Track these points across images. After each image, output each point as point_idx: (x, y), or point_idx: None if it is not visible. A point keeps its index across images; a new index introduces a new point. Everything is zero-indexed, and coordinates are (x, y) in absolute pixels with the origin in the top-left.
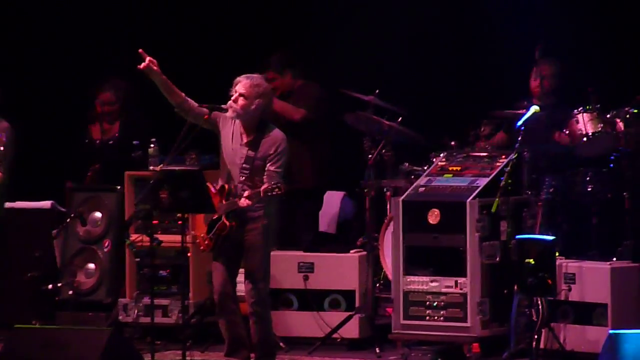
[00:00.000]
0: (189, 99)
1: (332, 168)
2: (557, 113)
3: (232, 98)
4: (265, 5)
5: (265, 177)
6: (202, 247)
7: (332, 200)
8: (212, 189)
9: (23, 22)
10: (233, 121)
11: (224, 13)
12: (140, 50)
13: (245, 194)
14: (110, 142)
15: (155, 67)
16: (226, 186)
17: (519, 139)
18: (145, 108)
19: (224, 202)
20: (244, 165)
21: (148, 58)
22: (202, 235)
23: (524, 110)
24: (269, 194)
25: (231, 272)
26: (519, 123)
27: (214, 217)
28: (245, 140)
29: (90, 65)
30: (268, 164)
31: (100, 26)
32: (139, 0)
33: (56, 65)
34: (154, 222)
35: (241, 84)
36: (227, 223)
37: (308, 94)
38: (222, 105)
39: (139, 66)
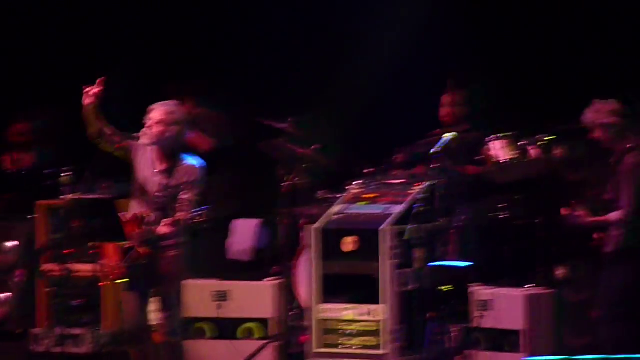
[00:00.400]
0: (106, 127)
1: (241, 196)
2: (470, 140)
3: (147, 125)
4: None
5: (178, 205)
6: (113, 276)
7: (247, 228)
8: (124, 218)
9: None
10: (147, 149)
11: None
12: (100, 79)
13: (164, 221)
14: (23, 172)
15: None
16: (139, 214)
17: (433, 166)
18: (59, 137)
19: (137, 230)
20: (157, 193)
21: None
22: (114, 264)
23: (438, 138)
24: (190, 222)
25: (143, 301)
26: (433, 150)
27: (127, 246)
28: (159, 168)
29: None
30: (182, 193)
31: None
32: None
33: None
34: (67, 251)
35: (156, 111)
36: (141, 251)
37: (217, 123)
38: (135, 134)
39: (89, 91)
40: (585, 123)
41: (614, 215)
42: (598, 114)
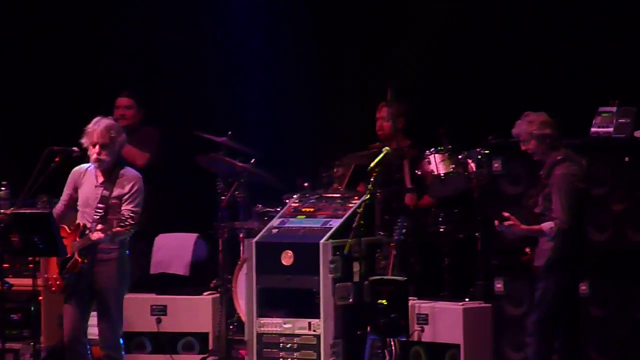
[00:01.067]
0: (60, 212)
1: (167, 211)
2: (407, 153)
3: (93, 150)
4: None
5: (119, 216)
6: (53, 288)
7: (185, 242)
8: (68, 230)
9: None
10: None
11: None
12: None
13: (98, 227)
14: None
15: None
16: (81, 224)
17: (372, 180)
18: None
19: (77, 239)
20: (98, 205)
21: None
22: (54, 276)
23: (376, 151)
24: (120, 225)
25: (82, 314)
26: (372, 165)
27: (67, 257)
28: (100, 181)
29: None
30: (124, 204)
31: None
32: None
33: None
34: (5, 265)
35: (96, 133)
36: (79, 260)
37: (152, 138)
38: (74, 148)
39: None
40: (517, 134)
41: (546, 225)
42: (531, 125)
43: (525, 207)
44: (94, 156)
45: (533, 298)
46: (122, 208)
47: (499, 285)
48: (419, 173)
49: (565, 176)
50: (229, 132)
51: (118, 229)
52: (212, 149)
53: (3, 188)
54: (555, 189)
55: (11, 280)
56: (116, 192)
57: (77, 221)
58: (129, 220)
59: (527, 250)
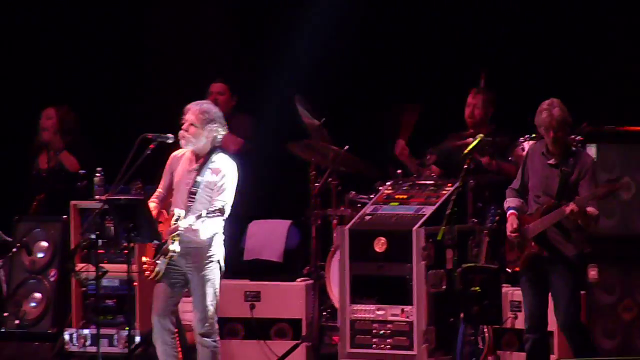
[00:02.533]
0: (160, 196)
1: (261, 197)
2: (499, 141)
3: (183, 127)
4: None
5: (212, 202)
6: (147, 273)
7: (278, 229)
8: (166, 215)
9: None
10: (183, 151)
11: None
12: None
13: (189, 216)
14: (57, 169)
15: None
16: (177, 211)
17: (465, 167)
18: (90, 137)
19: (171, 225)
20: (191, 189)
21: None
22: (148, 261)
23: (468, 139)
24: (209, 215)
25: (172, 295)
26: (465, 152)
27: (162, 242)
28: (194, 166)
29: (33, 95)
30: (215, 191)
31: (42, 55)
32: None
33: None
34: (100, 251)
35: (191, 112)
36: (174, 248)
37: (247, 124)
38: (167, 135)
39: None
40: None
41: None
42: (563, 112)
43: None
44: (181, 132)
45: (625, 286)
46: (214, 195)
47: (593, 273)
48: (512, 159)
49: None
50: (323, 119)
51: (208, 218)
52: (305, 136)
53: (98, 175)
54: (591, 173)
55: (106, 266)
56: (209, 178)
57: (173, 207)
58: (219, 208)
59: None
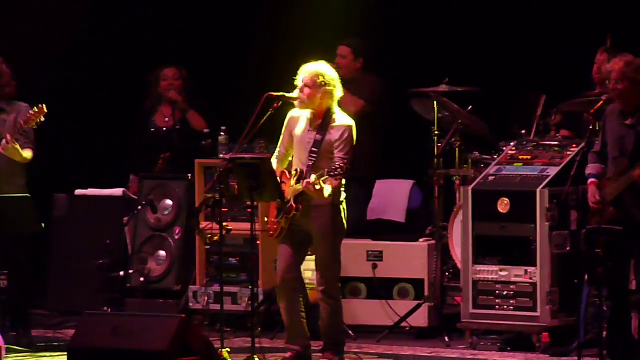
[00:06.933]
0: (281, 155)
1: (383, 158)
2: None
3: (299, 88)
4: None
5: (332, 162)
6: (271, 232)
7: (401, 189)
8: (287, 174)
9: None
10: (300, 111)
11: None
12: None
13: (310, 178)
14: (178, 127)
15: None
16: (299, 170)
17: (590, 127)
18: (210, 97)
19: (294, 185)
20: (312, 148)
21: None
22: (272, 219)
23: (595, 98)
24: (330, 173)
25: (296, 257)
26: (591, 112)
27: (284, 201)
28: (313, 125)
29: (145, 56)
30: (335, 150)
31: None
32: None
33: (114, 55)
34: (223, 209)
35: (305, 73)
36: (294, 205)
37: (370, 86)
38: (291, 94)
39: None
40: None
41: None
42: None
43: None
44: (300, 96)
45: None
46: (335, 154)
47: None
48: None
49: None
50: (446, 78)
51: (329, 176)
52: (428, 95)
53: (222, 133)
54: None
55: (229, 225)
56: (328, 137)
57: (294, 166)
58: (339, 167)
59: None
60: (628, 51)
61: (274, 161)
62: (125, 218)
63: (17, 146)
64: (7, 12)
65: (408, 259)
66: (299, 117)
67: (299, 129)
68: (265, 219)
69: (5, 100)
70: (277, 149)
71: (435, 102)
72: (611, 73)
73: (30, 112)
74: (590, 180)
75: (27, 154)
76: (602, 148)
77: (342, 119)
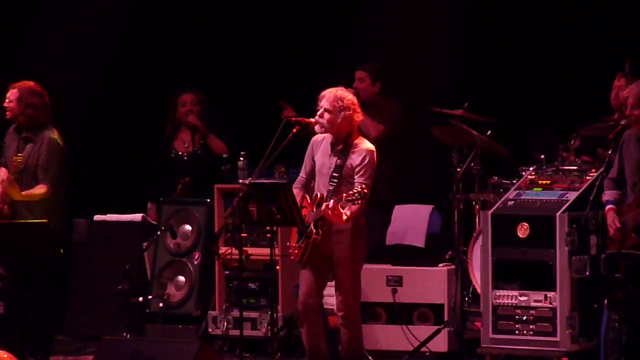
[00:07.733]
0: (302, 180)
1: (403, 182)
2: None
3: (318, 113)
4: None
5: (352, 187)
6: (292, 257)
7: (421, 214)
8: (309, 199)
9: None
10: (322, 137)
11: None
12: None
13: (330, 203)
14: (199, 152)
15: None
16: (319, 195)
17: (609, 152)
18: (229, 122)
19: (314, 210)
20: (333, 174)
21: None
22: (293, 245)
23: (614, 124)
24: (349, 199)
25: (318, 283)
26: (610, 136)
27: (305, 226)
28: (334, 150)
29: (164, 81)
30: (356, 176)
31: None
32: (207, 17)
33: (132, 81)
34: (243, 235)
35: (325, 99)
36: (314, 230)
37: (389, 110)
38: (311, 119)
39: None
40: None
41: None
42: None
43: None
44: (316, 118)
45: None
46: (355, 180)
47: None
48: None
49: None
50: (466, 104)
51: (345, 195)
52: (448, 121)
53: (242, 158)
54: None
55: (249, 250)
56: (349, 162)
57: (315, 191)
58: (357, 193)
59: None
60: None
61: (296, 187)
62: (145, 243)
63: (16, 187)
64: (27, 39)
65: (428, 284)
66: (321, 142)
67: (321, 154)
68: (288, 243)
69: (32, 131)
70: (300, 175)
71: (454, 128)
72: (627, 99)
73: (16, 157)
74: (608, 207)
75: (40, 190)
76: (619, 174)
77: (363, 143)
